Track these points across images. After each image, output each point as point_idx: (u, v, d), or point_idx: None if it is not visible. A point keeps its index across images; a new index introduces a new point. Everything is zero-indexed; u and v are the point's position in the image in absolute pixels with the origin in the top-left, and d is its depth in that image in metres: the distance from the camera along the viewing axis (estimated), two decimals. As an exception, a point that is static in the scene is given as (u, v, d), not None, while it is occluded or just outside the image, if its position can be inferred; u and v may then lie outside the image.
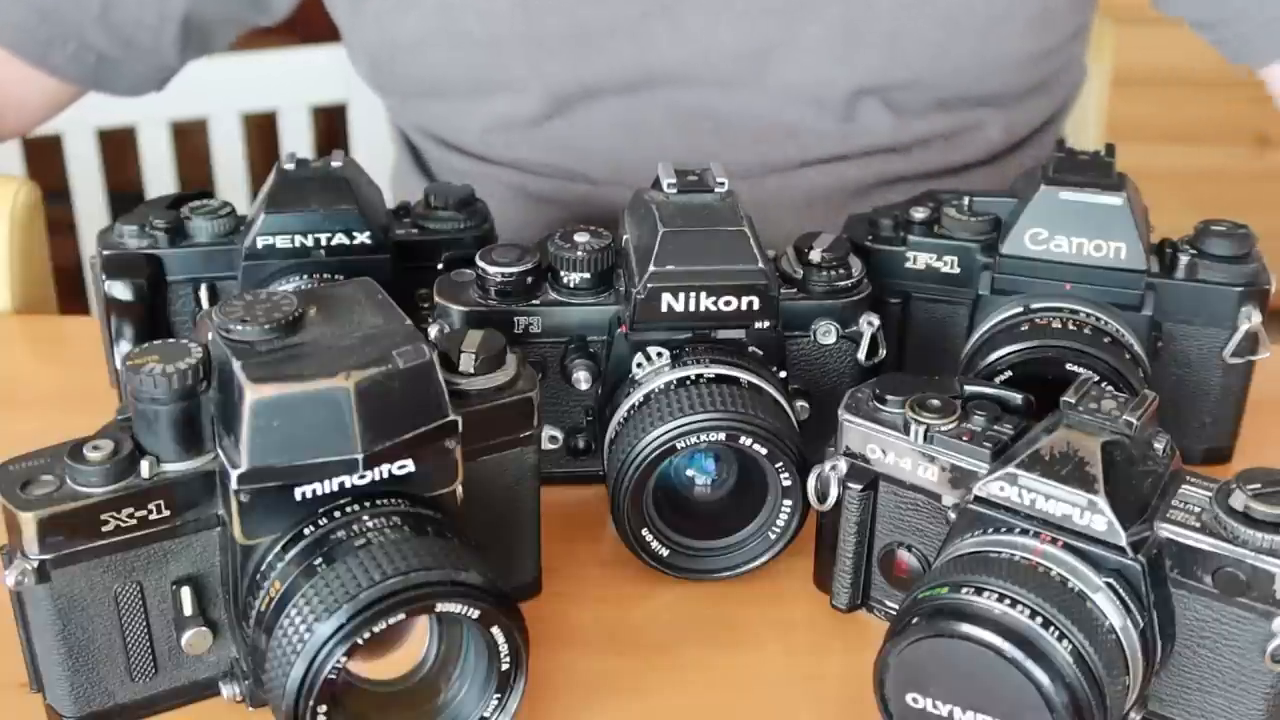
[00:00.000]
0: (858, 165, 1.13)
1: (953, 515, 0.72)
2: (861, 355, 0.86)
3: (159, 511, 0.68)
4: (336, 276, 0.88)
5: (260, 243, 0.89)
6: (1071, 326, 0.85)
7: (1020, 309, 0.87)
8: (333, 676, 0.64)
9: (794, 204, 1.13)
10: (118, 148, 1.73)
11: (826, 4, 1.07)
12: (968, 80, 1.12)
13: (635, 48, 1.08)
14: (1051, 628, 0.64)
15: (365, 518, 0.67)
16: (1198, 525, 0.67)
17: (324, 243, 0.89)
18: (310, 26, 1.30)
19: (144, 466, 0.67)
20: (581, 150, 1.14)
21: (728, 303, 0.82)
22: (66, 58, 1.13)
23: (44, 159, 1.68)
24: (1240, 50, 1.10)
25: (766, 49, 1.08)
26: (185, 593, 0.70)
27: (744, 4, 1.07)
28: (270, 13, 1.17)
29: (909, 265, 0.91)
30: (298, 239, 0.89)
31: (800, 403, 0.84)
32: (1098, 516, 0.67)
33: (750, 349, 0.83)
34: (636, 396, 0.81)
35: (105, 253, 0.91)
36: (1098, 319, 0.85)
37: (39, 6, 1.12)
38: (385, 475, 0.68)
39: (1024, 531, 0.69)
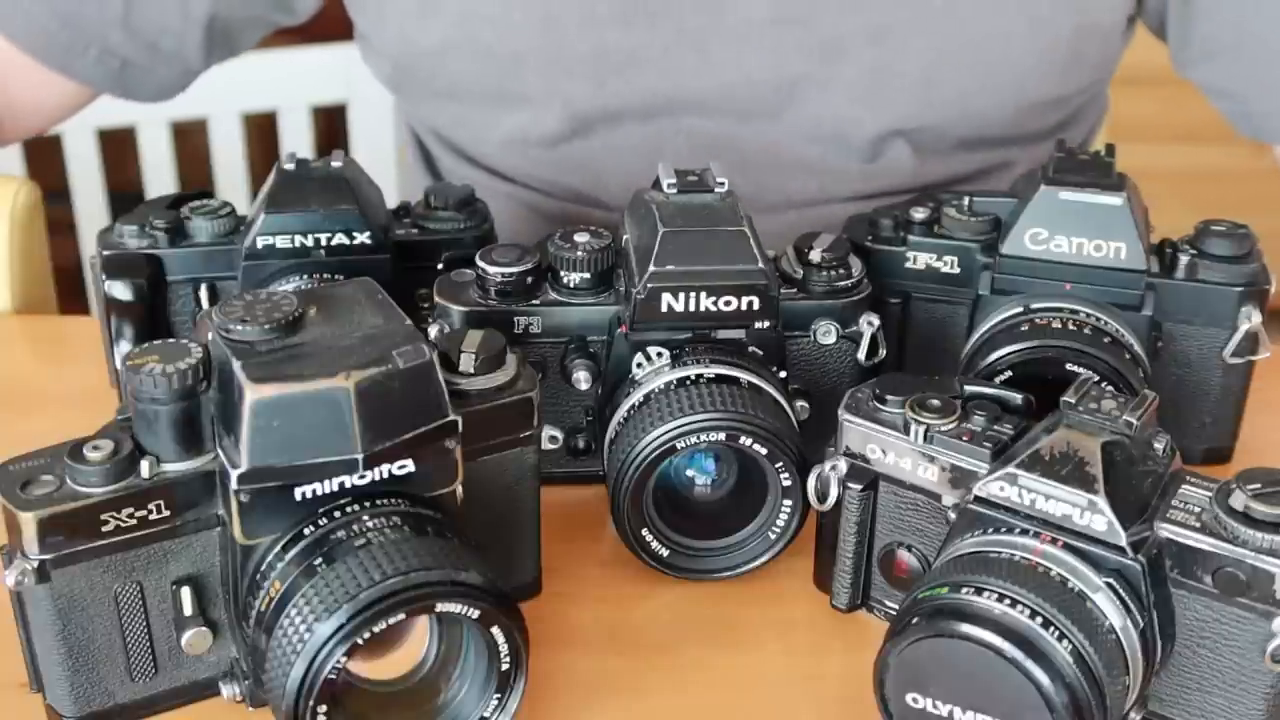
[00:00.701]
0: (879, 203, 1.13)
1: (953, 515, 0.72)
2: (861, 355, 0.86)
3: (159, 511, 0.68)
4: (336, 276, 0.88)
5: (260, 243, 0.89)
6: (1071, 326, 0.85)
7: (1020, 309, 0.87)
8: (333, 676, 0.64)
9: None
10: (118, 148, 1.73)
11: (860, 47, 1.05)
12: (995, 123, 1.11)
13: (660, 75, 1.07)
14: (1051, 628, 0.64)
15: (365, 518, 0.67)
16: (1198, 525, 0.67)
17: (324, 243, 0.89)
18: (311, 26, 1.30)
19: (144, 466, 0.67)
20: (598, 174, 1.13)
21: (728, 303, 0.82)
22: (89, 63, 1.12)
23: (44, 159, 1.68)
24: (1261, 126, 1.09)
25: (794, 85, 1.07)
26: (185, 593, 0.70)
27: (774, 39, 1.06)
28: (295, 13, 1.17)
29: (909, 265, 0.91)
30: (298, 239, 0.89)
31: (800, 403, 0.84)
32: (1098, 516, 0.67)
33: (750, 349, 0.83)
34: (636, 396, 0.81)
35: (105, 253, 0.91)
36: (1098, 319, 0.85)
37: (60, 12, 1.10)
38: (385, 475, 0.68)
39: (1024, 531, 0.69)
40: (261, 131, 1.81)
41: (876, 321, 0.86)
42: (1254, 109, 1.08)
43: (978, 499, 0.70)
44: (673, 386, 0.80)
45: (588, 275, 0.85)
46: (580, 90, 1.09)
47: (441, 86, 1.14)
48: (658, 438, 0.78)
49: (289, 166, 0.91)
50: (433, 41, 1.10)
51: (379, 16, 1.12)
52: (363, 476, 0.68)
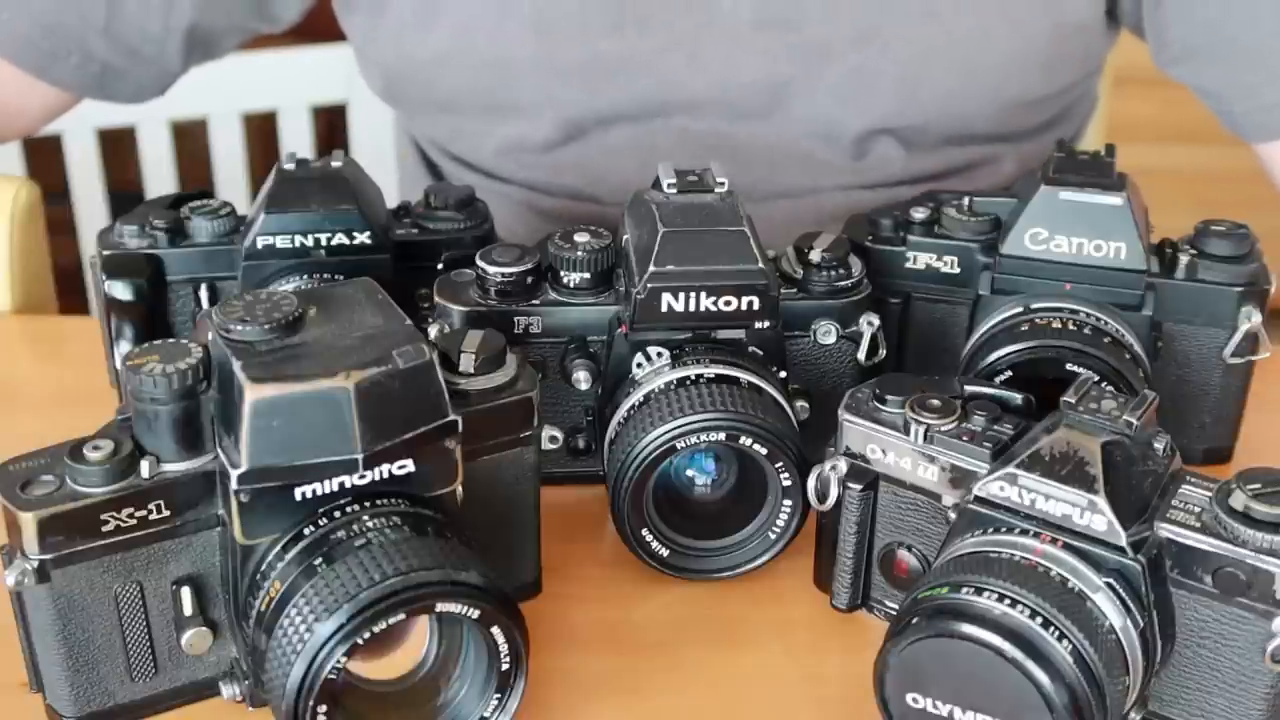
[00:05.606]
0: (870, 193, 1.14)
1: (953, 515, 0.72)
2: (861, 355, 0.86)
3: (159, 511, 0.68)
4: (336, 276, 0.88)
5: (260, 243, 0.89)
6: (1071, 326, 0.85)
7: (1020, 309, 0.87)
8: (333, 676, 0.64)
9: (804, 226, 1.13)
10: (118, 148, 1.73)
11: (844, 49, 1.07)
12: (980, 121, 1.12)
13: (651, 80, 1.09)
14: (1051, 628, 0.64)
15: (365, 518, 0.67)
16: (1198, 525, 0.67)
17: (324, 243, 0.89)
18: (310, 26, 1.30)
19: (144, 466, 0.67)
20: (593, 173, 1.14)
21: (728, 303, 0.82)
22: (70, 69, 1.13)
23: (44, 159, 1.68)
24: (1240, 124, 1.10)
25: (782, 87, 1.09)
26: (185, 593, 0.70)
27: (763, 43, 1.07)
28: (276, 22, 1.17)
29: (909, 265, 0.91)
30: (298, 239, 0.89)
31: (800, 403, 0.84)
32: (1098, 516, 0.67)
33: (750, 349, 0.83)
34: (636, 396, 0.81)
35: (105, 253, 0.91)
36: (1098, 319, 0.85)
37: (42, 20, 1.11)
38: (385, 475, 0.68)
39: (1024, 531, 0.69)
40: (261, 131, 1.81)
41: (876, 321, 0.86)
42: (1232, 108, 1.10)
43: (978, 499, 0.70)
44: (673, 386, 0.80)
45: (588, 275, 0.85)
46: (573, 97, 1.10)
47: (436, 99, 1.14)
48: (658, 438, 0.78)
49: (289, 166, 0.91)
50: (429, 53, 1.10)
51: (373, 28, 1.13)
52: (363, 476, 0.68)
